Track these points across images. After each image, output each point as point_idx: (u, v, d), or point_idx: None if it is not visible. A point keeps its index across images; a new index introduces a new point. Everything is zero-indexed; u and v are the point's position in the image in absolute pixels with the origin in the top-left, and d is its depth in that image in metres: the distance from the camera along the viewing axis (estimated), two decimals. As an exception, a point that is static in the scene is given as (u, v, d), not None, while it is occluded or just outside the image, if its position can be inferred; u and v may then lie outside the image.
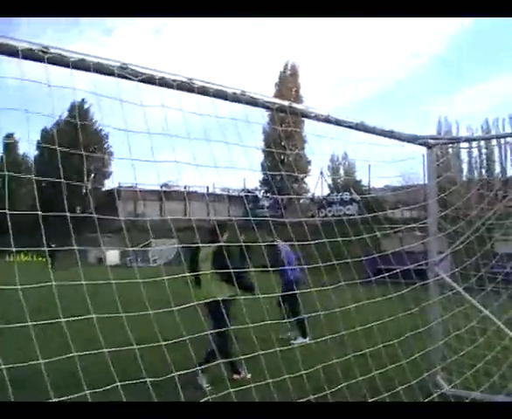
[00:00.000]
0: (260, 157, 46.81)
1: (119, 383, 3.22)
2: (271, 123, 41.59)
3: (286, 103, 5.17)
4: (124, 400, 3.11)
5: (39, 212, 3.48)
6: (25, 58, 3.36)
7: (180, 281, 4.47)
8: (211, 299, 6.93)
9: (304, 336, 10.51)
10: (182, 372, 3.51)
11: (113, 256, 41.16)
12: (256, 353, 4.19)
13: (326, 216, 38.31)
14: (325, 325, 5.00)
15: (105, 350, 3.37)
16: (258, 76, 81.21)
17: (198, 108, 4.26)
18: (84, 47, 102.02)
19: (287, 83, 60.25)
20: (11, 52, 3.31)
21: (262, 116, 32.55)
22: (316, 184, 48.09)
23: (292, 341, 10.33)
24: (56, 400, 2.85)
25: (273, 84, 61.22)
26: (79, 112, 53.15)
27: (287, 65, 61.67)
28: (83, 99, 61.67)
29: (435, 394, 5.89)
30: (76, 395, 3.04)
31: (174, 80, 4.11)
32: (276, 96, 53.08)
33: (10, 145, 73.38)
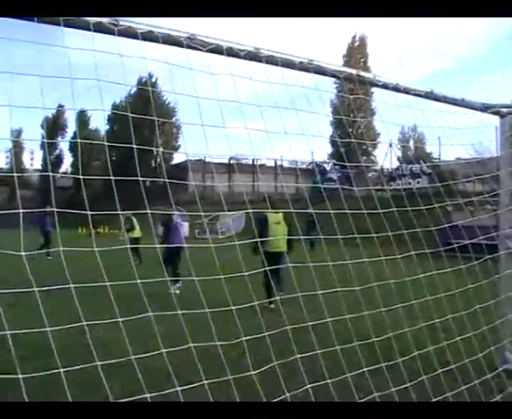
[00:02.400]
0: (329, 130, 46.52)
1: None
2: (339, 95, 41.10)
3: (353, 71, 5.08)
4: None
5: (112, 178, 3.56)
6: (96, 31, 3.44)
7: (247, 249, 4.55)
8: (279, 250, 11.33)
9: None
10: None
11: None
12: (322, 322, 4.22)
13: (395, 188, 37.63)
14: (396, 296, 4.96)
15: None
16: (326, 48, 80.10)
17: (267, 78, 4.25)
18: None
19: (355, 54, 59.38)
20: (83, 27, 3.39)
21: (330, 88, 32.31)
22: (385, 156, 47.19)
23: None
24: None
25: (341, 55, 60.53)
26: (147, 85, 53.92)
27: (355, 36, 60.74)
28: (150, 73, 62.69)
29: (501, 369, 5.80)
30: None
31: (241, 50, 4.10)
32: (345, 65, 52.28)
33: (82, 121, 75.46)
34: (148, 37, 3.66)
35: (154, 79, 64.77)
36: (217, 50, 3.97)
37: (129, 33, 3.59)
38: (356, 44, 60.80)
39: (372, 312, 4.80)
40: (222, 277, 3.82)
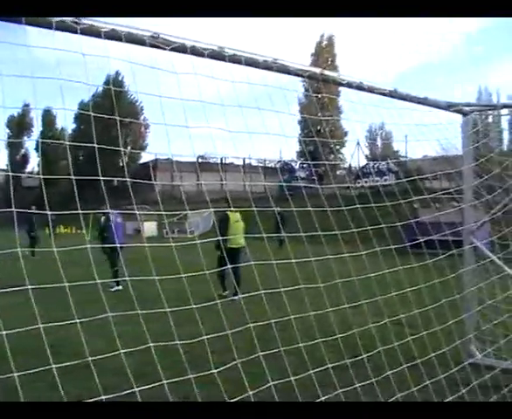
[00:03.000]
0: (296, 129, 46.70)
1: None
2: (305, 94, 41.20)
3: (317, 70, 5.14)
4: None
5: (73, 177, 3.57)
6: (58, 29, 3.41)
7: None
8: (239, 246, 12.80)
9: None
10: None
11: (150, 227, 41.59)
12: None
13: (362, 186, 37.96)
14: (362, 293, 5.04)
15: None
16: (294, 47, 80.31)
17: (232, 77, 4.28)
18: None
19: (323, 54, 59.70)
20: (46, 25, 3.37)
21: (297, 88, 32.45)
22: (353, 155, 47.56)
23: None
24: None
25: (309, 54, 60.82)
26: (114, 84, 53.34)
27: (323, 35, 61.05)
28: (117, 72, 62.21)
29: (466, 362, 5.93)
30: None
31: (205, 49, 4.11)
32: (313, 65, 52.48)
33: (48, 120, 74.60)
34: (112, 35, 3.64)
35: (120, 78, 64.37)
36: (180, 49, 3.96)
37: (92, 32, 3.57)
38: (324, 43, 61.11)
39: (337, 309, 4.86)
40: (161, 277, 3.83)
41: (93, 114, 4.00)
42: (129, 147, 68.66)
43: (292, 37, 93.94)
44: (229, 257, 10.53)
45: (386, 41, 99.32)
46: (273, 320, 4.20)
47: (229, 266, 10.98)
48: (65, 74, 3.51)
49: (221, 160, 52.66)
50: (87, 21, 3.52)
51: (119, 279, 14.58)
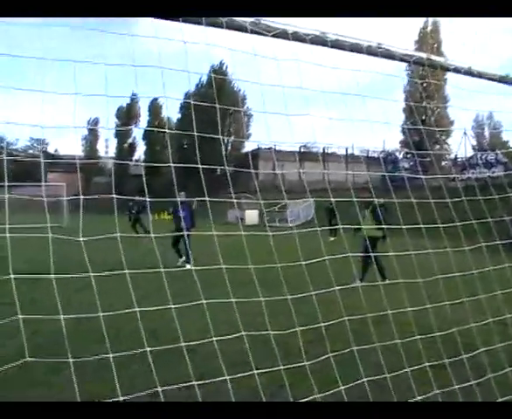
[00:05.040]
0: (401, 118, 45.59)
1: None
2: (411, 81, 40.10)
3: (423, 55, 4.96)
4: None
5: (172, 165, 3.66)
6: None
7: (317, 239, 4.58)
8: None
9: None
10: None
11: (252, 215, 42.16)
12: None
13: (469, 178, 36.52)
14: (464, 290, 4.86)
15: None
16: (396, 33, 78.31)
17: (334, 63, 4.23)
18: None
19: (428, 39, 57.51)
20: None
21: (401, 75, 31.66)
22: (459, 145, 45.86)
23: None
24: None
25: (413, 41, 58.90)
26: (217, 73, 54.31)
27: (427, 20, 58.80)
28: (221, 61, 63.43)
29: None
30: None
31: (307, 34, 4.06)
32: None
33: (155, 109, 77.40)
34: (213, 22, 3.68)
35: (224, 67, 65.56)
36: (281, 34, 3.93)
37: (193, 20, 3.63)
38: (429, 28, 58.82)
39: (436, 306, 4.72)
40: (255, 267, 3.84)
41: (193, 103, 4.09)
42: (233, 137, 69.88)
43: (392, 25, 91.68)
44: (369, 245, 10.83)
45: (493, 25, 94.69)
46: (370, 314, 4.15)
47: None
48: (171, 64, 3.60)
49: (323, 149, 52.50)
50: None
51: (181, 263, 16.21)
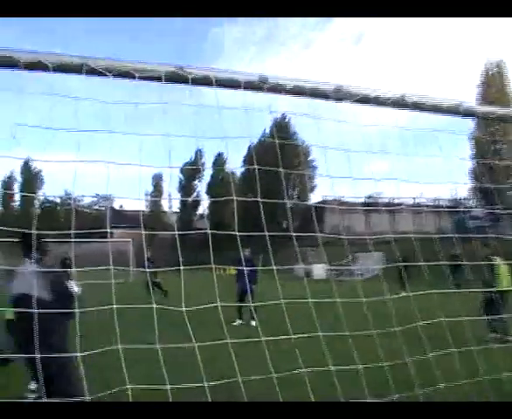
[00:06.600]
0: (468, 164, 44.70)
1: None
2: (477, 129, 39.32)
3: (505, 111, 4.80)
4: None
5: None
6: (246, 88, 3.60)
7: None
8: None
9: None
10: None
11: (319, 269, 41.94)
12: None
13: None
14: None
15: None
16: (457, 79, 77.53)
17: (395, 120, 4.22)
18: (285, 62, 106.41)
19: (492, 83, 56.05)
20: (231, 84, 3.59)
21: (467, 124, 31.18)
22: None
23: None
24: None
25: (475, 85, 57.75)
26: (280, 126, 54.96)
27: (490, 63, 57.43)
28: (283, 114, 64.21)
29: None
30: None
31: (388, 98, 4.02)
32: (481, 97, 49.99)
33: (220, 163, 78.82)
34: (296, 90, 3.75)
35: (286, 120, 66.42)
36: (364, 100, 3.92)
37: (277, 89, 3.72)
38: (494, 70, 57.24)
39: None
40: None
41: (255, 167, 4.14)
42: (297, 189, 70.28)
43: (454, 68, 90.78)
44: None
45: None
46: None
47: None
48: (231, 119, 3.69)
49: (390, 200, 52.03)
50: (273, 80, 3.65)
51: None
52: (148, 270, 22.96)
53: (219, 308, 3.59)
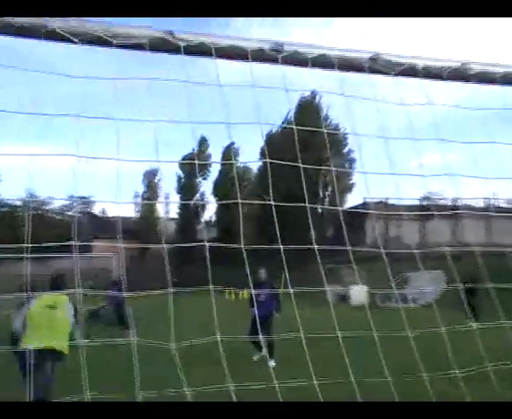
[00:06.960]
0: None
1: None
2: None
3: None
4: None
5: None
6: (255, 60, 3.64)
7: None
8: None
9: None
10: None
11: (359, 292, 41.53)
12: None
13: None
14: None
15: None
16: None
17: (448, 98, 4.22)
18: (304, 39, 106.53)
19: None
20: (240, 55, 3.61)
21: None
22: None
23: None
24: None
25: None
26: (308, 108, 54.76)
27: None
28: (313, 91, 63.47)
29: None
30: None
31: (443, 67, 3.98)
32: None
33: (228, 157, 77.48)
34: (320, 61, 3.75)
35: (317, 100, 65.91)
36: (407, 71, 3.92)
37: (295, 60, 3.73)
38: None
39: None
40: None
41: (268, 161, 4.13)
42: (329, 189, 69.16)
43: None
44: None
45: None
46: None
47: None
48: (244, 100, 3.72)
49: (452, 202, 51.77)
50: (290, 47, 3.66)
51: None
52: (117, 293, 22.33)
53: (219, 343, 3.73)
